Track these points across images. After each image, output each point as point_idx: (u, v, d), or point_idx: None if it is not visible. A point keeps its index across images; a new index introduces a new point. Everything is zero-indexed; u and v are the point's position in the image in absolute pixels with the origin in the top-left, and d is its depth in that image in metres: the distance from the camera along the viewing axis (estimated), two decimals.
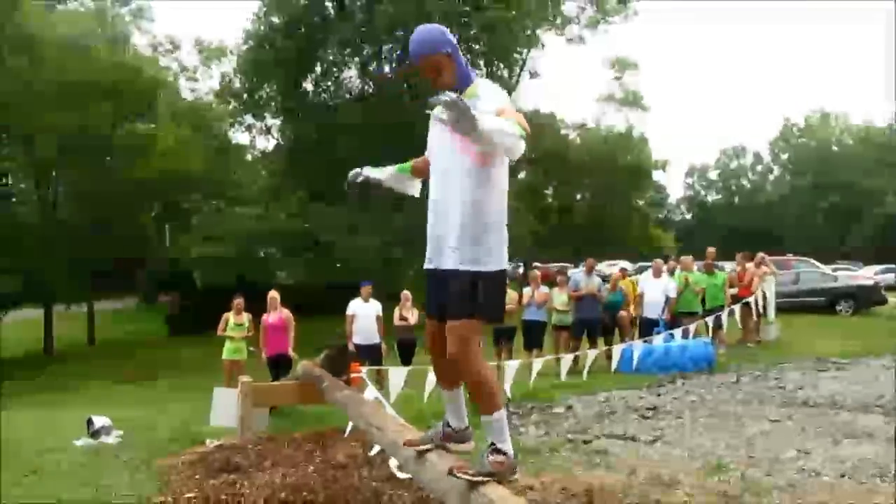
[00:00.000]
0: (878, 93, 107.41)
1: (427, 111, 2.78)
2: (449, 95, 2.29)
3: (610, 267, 18.65)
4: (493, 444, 2.74)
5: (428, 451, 2.98)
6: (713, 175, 77.04)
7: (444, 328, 2.81)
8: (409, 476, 4.53)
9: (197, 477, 5.54)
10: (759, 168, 74.06)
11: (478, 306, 2.71)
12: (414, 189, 3.42)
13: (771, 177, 71.98)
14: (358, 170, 3.40)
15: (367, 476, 5.29)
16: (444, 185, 2.80)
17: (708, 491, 4.84)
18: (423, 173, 3.28)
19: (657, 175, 41.44)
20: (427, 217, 2.90)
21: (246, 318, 9.69)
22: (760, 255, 12.60)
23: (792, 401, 7.27)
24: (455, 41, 2.88)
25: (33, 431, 7.77)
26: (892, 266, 30.72)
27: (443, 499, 2.82)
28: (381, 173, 3.38)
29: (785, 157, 69.98)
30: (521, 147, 2.51)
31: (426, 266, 2.92)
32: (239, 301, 9.74)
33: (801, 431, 6.12)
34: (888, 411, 6.69)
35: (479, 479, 2.61)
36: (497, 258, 2.78)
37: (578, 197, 37.99)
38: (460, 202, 2.73)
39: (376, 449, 5.44)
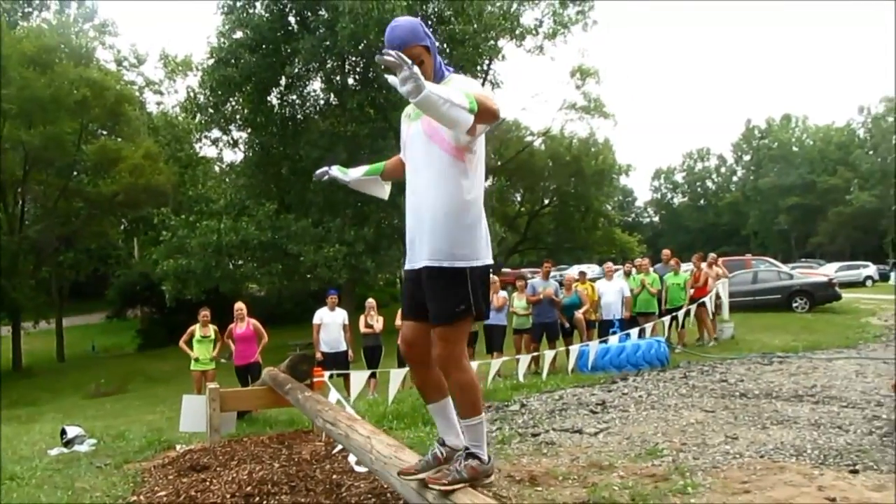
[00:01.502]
0: (837, 94, 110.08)
1: (381, 72, 2.69)
2: (393, 53, 2.30)
3: (590, 270, 19.22)
4: (467, 448, 2.75)
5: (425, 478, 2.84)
6: (679, 177, 78.71)
7: (422, 331, 2.79)
8: (365, 469, 4.90)
9: (169, 477, 5.78)
10: (722, 170, 75.83)
11: (464, 303, 2.66)
12: (383, 192, 3.42)
13: (735, 178, 73.75)
14: (325, 168, 3.42)
15: (328, 469, 5.63)
16: (421, 180, 2.77)
17: (640, 473, 5.21)
18: (396, 173, 3.27)
19: (624, 179, 42.58)
20: (405, 217, 2.88)
21: (212, 329, 10.00)
22: (712, 255, 13.22)
23: (731, 392, 7.76)
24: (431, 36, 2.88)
25: (6, 443, 7.94)
26: (851, 263, 31.64)
27: None
28: (346, 175, 3.38)
29: (748, 158, 71.57)
30: (467, 119, 2.45)
31: (407, 266, 2.88)
32: (205, 314, 10.04)
33: (733, 420, 6.59)
34: (818, 400, 7.21)
35: (454, 487, 2.61)
36: (480, 252, 2.76)
37: (546, 202, 38.75)
38: (439, 197, 2.70)
39: (339, 447, 5.79)
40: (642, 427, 6.55)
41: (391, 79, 2.44)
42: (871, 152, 60.04)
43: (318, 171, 3.45)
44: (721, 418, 6.66)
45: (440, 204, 2.69)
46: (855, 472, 4.93)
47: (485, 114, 2.51)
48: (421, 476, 2.81)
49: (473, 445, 2.76)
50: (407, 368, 9.75)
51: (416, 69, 2.31)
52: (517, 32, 26.91)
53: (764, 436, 6.05)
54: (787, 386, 7.99)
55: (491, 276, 11.03)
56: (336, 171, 3.39)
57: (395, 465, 3.26)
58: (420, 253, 2.76)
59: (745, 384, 8.22)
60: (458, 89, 2.54)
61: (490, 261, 2.82)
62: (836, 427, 6.13)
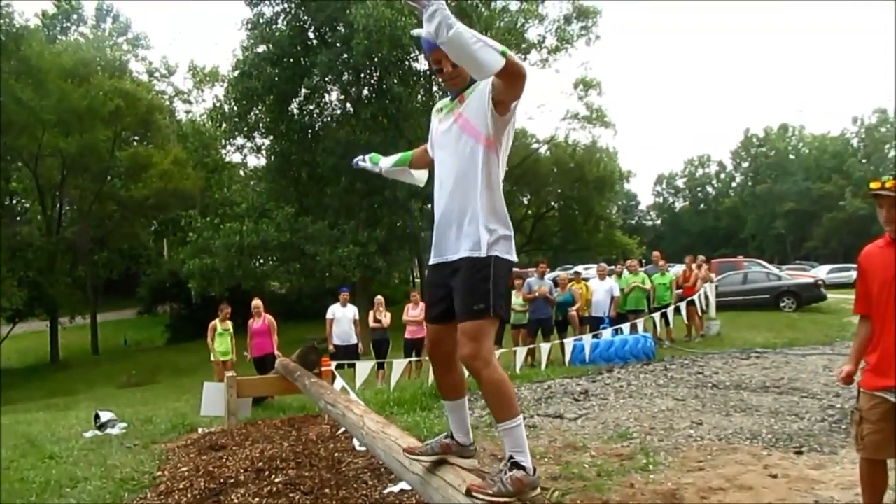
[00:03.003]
0: (832, 104, 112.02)
1: (413, 34, 2.83)
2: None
3: (586, 270, 19.85)
4: (511, 457, 2.56)
5: (430, 461, 2.87)
6: (680, 183, 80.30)
7: (447, 332, 2.71)
8: (364, 448, 5.55)
9: (190, 455, 6.44)
10: (722, 176, 77.29)
11: (491, 298, 2.57)
12: (414, 180, 3.43)
13: (734, 184, 75.07)
14: (360, 157, 3.55)
15: (331, 448, 6.31)
16: (453, 174, 2.71)
17: (609, 453, 5.79)
18: (421, 164, 3.31)
19: (628, 184, 43.80)
20: (434, 212, 2.83)
21: (230, 324, 10.81)
22: (701, 258, 13.78)
23: (703, 383, 8.34)
24: None
25: (46, 427, 8.69)
26: (842, 266, 31.82)
27: None
28: (377, 165, 3.46)
29: (746, 165, 72.89)
30: (498, 62, 2.32)
31: (434, 261, 2.80)
32: (226, 310, 10.81)
33: (700, 407, 7.17)
34: (782, 391, 7.77)
35: (499, 500, 2.46)
36: (509, 247, 2.70)
37: (551, 206, 39.95)
38: (475, 191, 2.65)
39: (342, 429, 6.47)
40: (617, 413, 7.16)
41: (415, 31, 2.40)
42: (864, 161, 61.66)
43: (353, 161, 3.59)
44: (690, 406, 7.25)
45: (474, 195, 2.64)
46: (800, 453, 5.50)
47: (513, 67, 2.39)
48: (424, 459, 2.85)
49: (516, 452, 2.56)
50: (407, 360, 10.50)
51: (442, 3, 2.25)
52: (522, 47, 27.73)
53: (726, 421, 6.63)
54: (757, 378, 8.55)
55: None
56: (368, 162, 3.50)
57: (383, 438, 3.86)
58: (450, 244, 2.69)
59: (719, 376, 8.79)
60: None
61: (515, 258, 2.78)
62: (792, 415, 6.70)
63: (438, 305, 2.78)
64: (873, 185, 3.32)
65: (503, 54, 2.34)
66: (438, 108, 2.98)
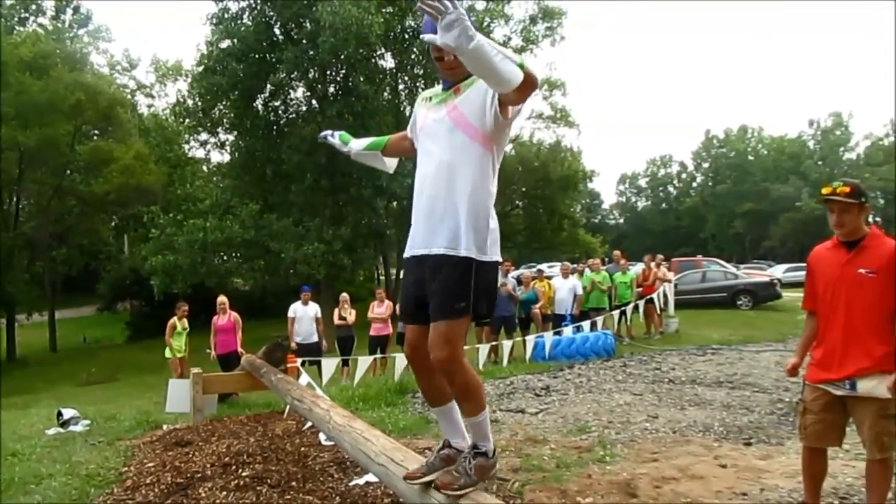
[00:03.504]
0: (790, 107, 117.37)
1: (422, 37, 2.41)
2: (436, 3, 2.09)
3: (550, 268, 20.22)
4: (475, 446, 2.67)
5: (433, 480, 2.73)
6: (643, 183, 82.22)
7: (425, 333, 2.62)
8: (331, 443, 5.65)
9: (156, 451, 6.42)
10: (683, 176, 79.31)
11: (471, 298, 2.54)
12: (384, 166, 3.26)
13: (694, 184, 77.15)
14: (328, 132, 3.32)
15: (297, 443, 6.39)
16: (441, 167, 2.62)
17: (568, 445, 5.95)
18: (397, 151, 3.17)
19: (591, 183, 44.79)
20: (413, 203, 2.75)
21: (187, 322, 10.91)
22: (660, 256, 14.17)
23: (661, 379, 8.62)
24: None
25: (6, 425, 8.48)
26: (799, 265, 32.79)
27: None
28: (346, 145, 3.24)
29: (707, 165, 74.94)
30: (518, 76, 2.26)
31: (412, 252, 2.71)
32: (184, 308, 10.88)
33: (657, 402, 7.41)
34: (735, 386, 8.07)
35: (467, 490, 2.55)
36: (494, 249, 2.67)
37: (516, 205, 40.54)
38: (463, 185, 2.58)
39: (309, 424, 6.56)
40: (577, 408, 7.36)
41: (427, 37, 2.27)
42: (820, 162, 64.43)
43: (320, 134, 3.36)
44: (647, 400, 7.50)
45: (465, 192, 2.57)
46: (749, 444, 5.75)
47: (530, 80, 2.34)
48: (429, 478, 2.70)
49: (480, 442, 2.69)
50: (372, 357, 10.61)
51: (462, 10, 2.11)
52: None
53: (680, 415, 6.87)
54: (712, 374, 8.86)
55: None
56: (337, 138, 3.27)
57: (349, 431, 3.99)
58: (435, 239, 2.61)
59: (676, 372, 9.10)
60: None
61: (500, 258, 2.74)
62: (744, 408, 6.99)
63: (417, 304, 2.70)
64: (825, 190, 3.50)
65: (521, 66, 2.29)
66: (427, 96, 2.88)
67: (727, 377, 8.57)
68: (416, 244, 2.69)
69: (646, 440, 6.05)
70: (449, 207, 2.58)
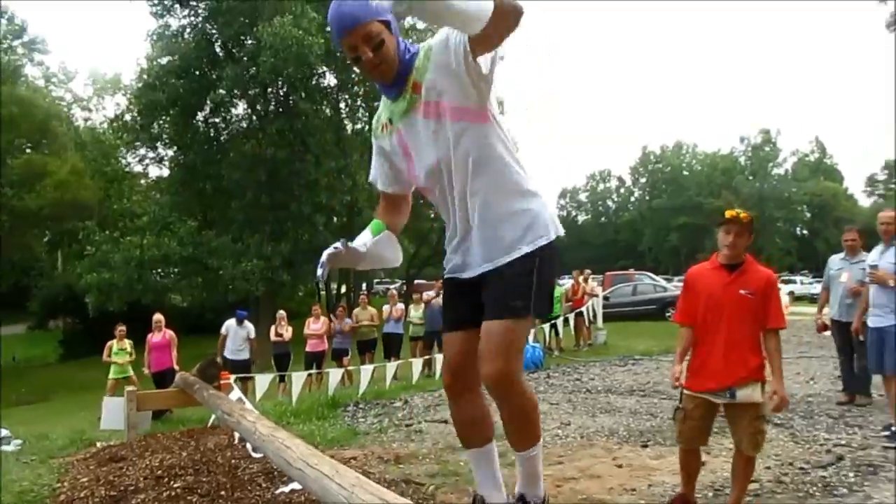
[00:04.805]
0: (722, 124, 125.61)
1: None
2: None
3: None
4: (522, 499, 2.34)
5: None
6: (583, 197, 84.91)
7: (469, 345, 2.25)
8: (260, 455, 5.96)
9: (90, 467, 6.56)
10: (622, 191, 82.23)
11: (533, 295, 2.20)
12: (399, 250, 2.66)
13: (632, 198, 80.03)
14: (324, 259, 2.45)
15: (228, 456, 6.66)
16: (458, 174, 2.25)
17: None
18: (395, 216, 2.62)
19: None
20: (449, 225, 2.40)
21: (128, 343, 10.97)
22: (588, 271, 14.90)
23: (579, 389, 9.14)
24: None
25: None
26: None
27: None
28: (351, 257, 2.46)
29: (644, 180, 77.91)
30: (487, 5, 1.83)
31: (455, 274, 2.39)
32: (121, 329, 10.99)
33: (571, 410, 7.93)
34: (646, 394, 8.66)
35: None
36: (550, 223, 2.34)
37: None
38: (481, 180, 2.24)
39: (238, 437, 6.85)
40: (497, 417, 7.82)
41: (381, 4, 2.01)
42: (750, 178, 68.44)
43: (320, 269, 2.45)
44: (562, 409, 7.99)
45: (488, 188, 2.25)
46: (646, 446, 6.26)
47: (506, 6, 1.88)
48: None
49: (531, 491, 2.36)
50: (307, 373, 10.91)
51: None
52: None
53: (591, 422, 7.38)
54: (627, 383, 9.43)
55: (390, 289, 12.42)
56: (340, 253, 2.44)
57: (272, 440, 4.28)
58: (488, 253, 2.28)
59: (594, 382, 9.65)
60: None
61: (562, 232, 2.41)
62: (649, 414, 7.54)
63: (457, 316, 2.37)
64: (729, 213, 3.98)
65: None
66: (384, 120, 2.42)
67: (640, 386, 9.13)
68: (465, 264, 2.37)
69: (555, 445, 6.47)
70: (489, 208, 2.26)
